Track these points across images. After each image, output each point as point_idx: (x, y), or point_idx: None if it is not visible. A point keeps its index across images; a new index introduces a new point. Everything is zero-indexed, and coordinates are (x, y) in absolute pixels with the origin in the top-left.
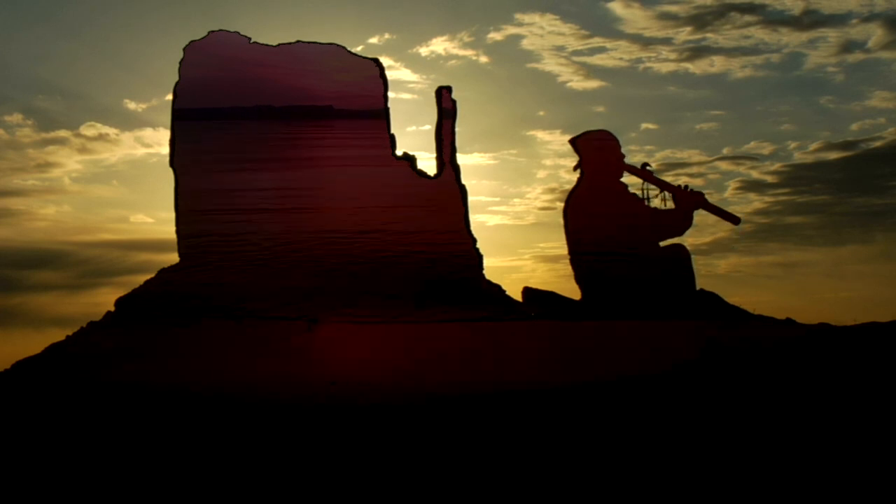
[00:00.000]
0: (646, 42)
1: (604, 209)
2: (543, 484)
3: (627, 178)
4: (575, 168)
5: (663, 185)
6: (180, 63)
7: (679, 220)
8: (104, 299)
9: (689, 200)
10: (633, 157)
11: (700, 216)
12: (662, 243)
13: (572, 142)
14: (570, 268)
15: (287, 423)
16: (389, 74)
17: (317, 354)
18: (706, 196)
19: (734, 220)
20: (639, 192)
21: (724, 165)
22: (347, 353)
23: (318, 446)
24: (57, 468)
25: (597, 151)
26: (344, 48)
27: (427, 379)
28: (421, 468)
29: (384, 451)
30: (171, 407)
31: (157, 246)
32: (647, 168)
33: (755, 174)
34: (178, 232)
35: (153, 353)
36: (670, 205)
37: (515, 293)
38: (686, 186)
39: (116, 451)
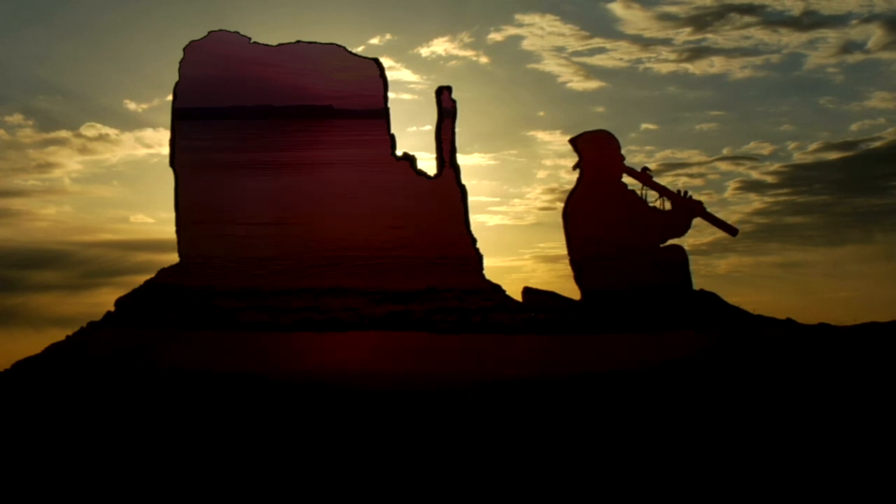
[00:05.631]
0: (646, 42)
1: (603, 209)
2: (536, 472)
3: (626, 179)
4: (574, 168)
5: (662, 191)
6: (180, 63)
7: (678, 222)
8: (104, 299)
9: (687, 208)
10: (633, 158)
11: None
12: (661, 244)
13: (572, 141)
14: (570, 268)
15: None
16: (390, 75)
17: (318, 355)
18: (704, 205)
19: (732, 230)
20: (637, 194)
21: (723, 166)
22: (348, 354)
23: (325, 428)
24: (56, 468)
25: (597, 151)
26: (344, 48)
27: (426, 376)
28: (422, 451)
29: (387, 434)
30: (174, 393)
31: (157, 246)
32: (647, 172)
33: (755, 174)
34: (178, 232)
35: (152, 353)
36: (668, 207)
37: (515, 293)
38: (686, 193)
39: (115, 451)
